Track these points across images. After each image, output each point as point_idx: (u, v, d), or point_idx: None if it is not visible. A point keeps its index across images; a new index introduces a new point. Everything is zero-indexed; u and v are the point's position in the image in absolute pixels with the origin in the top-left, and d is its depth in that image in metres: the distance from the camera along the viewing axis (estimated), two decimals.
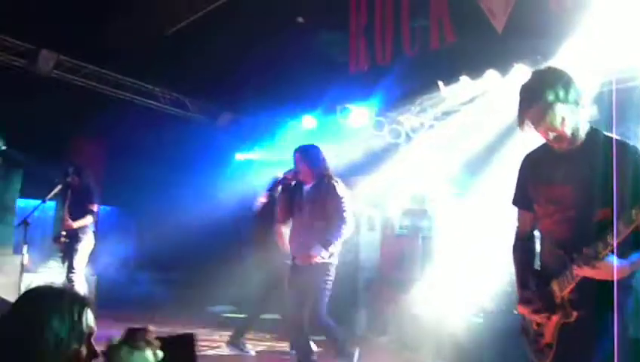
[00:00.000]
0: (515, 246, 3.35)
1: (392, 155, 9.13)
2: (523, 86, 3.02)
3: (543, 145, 3.14)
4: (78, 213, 8.18)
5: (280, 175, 6.36)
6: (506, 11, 6.90)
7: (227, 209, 9.97)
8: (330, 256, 5.81)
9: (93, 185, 8.46)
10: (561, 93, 2.88)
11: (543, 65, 3.10)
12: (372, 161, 9.34)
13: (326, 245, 5.71)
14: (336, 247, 5.83)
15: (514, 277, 3.32)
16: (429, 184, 8.81)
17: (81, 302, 2.16)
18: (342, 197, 5.87)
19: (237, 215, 10.29)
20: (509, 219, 7.29)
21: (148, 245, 11.15)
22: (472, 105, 8.12)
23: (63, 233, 8.15)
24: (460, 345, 6.73)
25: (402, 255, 8.38)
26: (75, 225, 8.11)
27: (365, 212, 9.38)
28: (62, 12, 8.21)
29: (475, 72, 7.73)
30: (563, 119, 2.89)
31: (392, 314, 8.23)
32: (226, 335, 7.74)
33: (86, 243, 8.24)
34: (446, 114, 8.60)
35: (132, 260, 12.10)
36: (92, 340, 2.16)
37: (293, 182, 6.15)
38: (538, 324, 3.09)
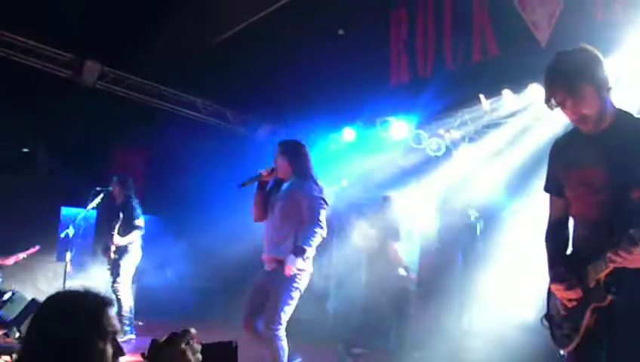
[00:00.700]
0: (547, 233, 3.29)
1: (431, 169, 9.07)
2: (550, 66, 3.00)
3: (572, 131, 3.13)
4: (125, 229, 8.27)
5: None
6: (550, 24, 6.85)
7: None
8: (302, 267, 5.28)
9: (133, 198, 8.53)
10: (588, 74, 2.87)
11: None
12: (411, 174, 9.29)
13: (298, 252, 5.19)
14: (310, 253, 5.33)
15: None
16: (470, 197, 8.73)
17: (102, 302, 2.20)
18: (319, 199, 5.42)
19: None
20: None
21: (187, 254, 11.23)
22: (515, 119, 8.02)
23: (113, 248, 8.25)
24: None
25: (441, 269, 8.28)
26: (122, 241, 8.21)
27: (404, 224, 9.33)
28: (106, 23, 8.36)
29: (517, 85, 7.64)
30: (588, 100, 2.86)
31: (427, 330, 8.14)
32: None
33: (132, 258, 8.35)
34: (487, 127, 8.52)
35: (171, 269, 12.19)
36: (116, 339, 2.20)
37: (269, 179, 5.69)
38: (566, 309, 3.02)
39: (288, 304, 5.20)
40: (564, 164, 3.12)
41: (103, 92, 9.67)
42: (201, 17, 8.80)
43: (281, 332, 5.17)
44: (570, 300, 2.97)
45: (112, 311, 2.20)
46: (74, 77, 9.20)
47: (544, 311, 3.25)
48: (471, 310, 8.00)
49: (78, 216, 8.30)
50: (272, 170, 5.60)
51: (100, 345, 2.11)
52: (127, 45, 8.95)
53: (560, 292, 3.02)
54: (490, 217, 8.57)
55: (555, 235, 3.26)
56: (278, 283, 5.19)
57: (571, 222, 3.23)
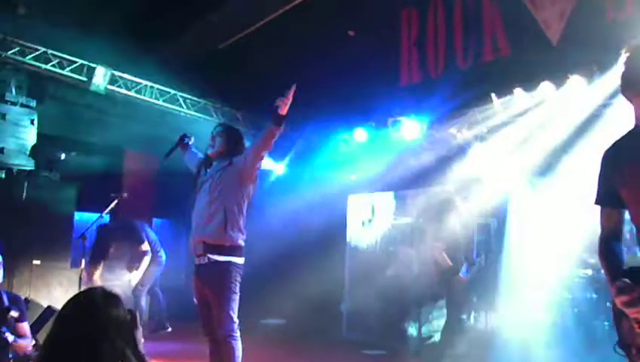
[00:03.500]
0: (601, 249, 3.09)
1: (444, 168, 9.04)
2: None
3: (622, 136, 3.02)
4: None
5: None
6: (561, 22, 6.82)
7: (274, 223, 10.00)
8: (233, 254, 4.99)
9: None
10: None
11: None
12: (424, 174, 9.27)
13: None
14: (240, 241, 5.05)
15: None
16: (483, 197, 8.71)
17: (112, 300, 2.23)
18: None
19: (283, 228, 10.36)
20: (568, 231, 7.22)
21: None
22: (527, 117, 7.98)
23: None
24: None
25: (455, 270, 8.22)
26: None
27: (419, 225, 9.31)
28: (117, 28, 8.38)
29: (529, 84, 7.60)
30: None
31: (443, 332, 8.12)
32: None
33: (153, 267, 8.59)
34: (499, 126, 8.48)
35: (183, 272, 12.21)
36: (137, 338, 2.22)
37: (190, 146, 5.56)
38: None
39: (233, 300, 4.89)
40: (622, 166, 2.95)
41: (114, 96, 9.68)
42: (212, 20, 8.82)
43: (236, 332, 4.87)
44: None
45: (122, 309, 2.21)
46: (85, 82, 9.21)
47: (616, 337, 2.94)
48: (487, 310, 7.99)
49: (92, 222, 8.33)
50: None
51: (110, 342, 2.13)
52: (138, 50, 8.97)
53: (627, 308, 2.73)
54: (503, 217, 8.55)
55: (610, 250, 3.05)
56: (213, 284, 4.92)
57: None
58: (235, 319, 4.89)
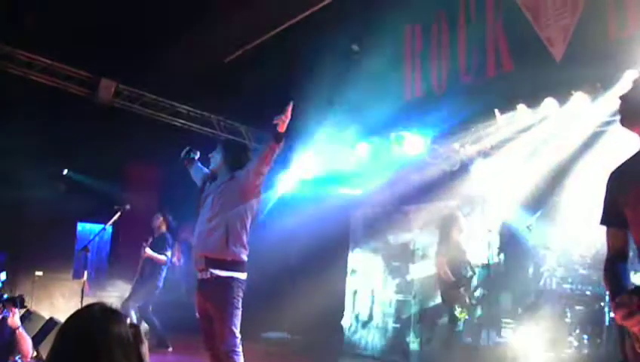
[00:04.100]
0: (605, 269, 3.09)
1: (447, 184, 9.04)
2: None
3: (628, 158, 3.02)
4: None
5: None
6: (565, 39, 6.84)
7: (276, 237, 9.98)
8: (236, 269, 4.96)
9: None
10: None
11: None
12: (426, 189, 9.27)
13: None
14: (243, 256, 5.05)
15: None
16: (486, 213, 8.71)
17: (113, 316, 2.23)
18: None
19: (286, 242, 10.36)
20: (568, 250, 7.21)
21: None
22: (530, 134, 8.00)
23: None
24: None
25: (457, 285, 8.21)
26: (152, 255, 8.62)
27: (420, 241, 9.32)
28: (121, 42, 8.42)
29: (532, 100, 7.62)
30: None
31: (445, 347, 8.10)
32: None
33: (154, 285, 8.61)
34: (502, 142, 8.49)
35: (184, 284, 12.20)
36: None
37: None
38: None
39: (235, 315, 4.86)
40: (625, 186, 2.96)
41: (118, 109, 9.72)
42: (216, 34, 8.85)
43: (238, 348, 4.83)
44: None
45: (124, 325, 2.22)
46: (90, 94, 9.26)
47: (619, 357, 2.94)
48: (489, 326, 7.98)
49: (95, 233, 8.34)
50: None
51: (111, 360, 2.13)
52: (142, 63, 9.01)
53: (625, 322, 2.70)
54: (506, 233, 8.54)
55: (615, 270, 3.05)
56: (216, 299, 4.91)
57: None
58: (237, 334, 4.86)
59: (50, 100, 9.36)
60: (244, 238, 5.07)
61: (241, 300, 4.94)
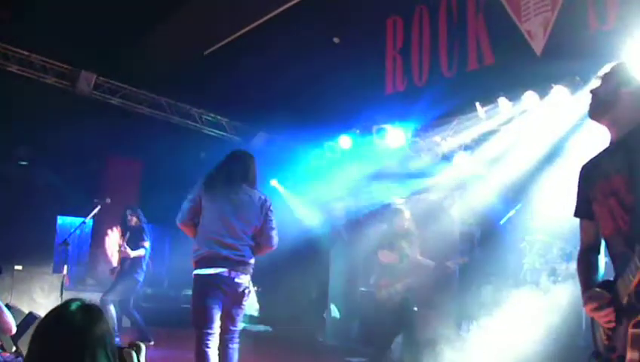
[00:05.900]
0: (578, 260, 3.17)
1: (428, 176, 9.07)
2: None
3: (600, 152, 3.06)
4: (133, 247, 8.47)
5: None
6: (545, 33, 6.86)
7: None
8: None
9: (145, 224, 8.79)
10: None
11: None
12: (408, 181, 9.29)
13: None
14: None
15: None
16: (466, 205, 8.74)
17: (95, 314, 2.23)
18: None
19: None
20: (548, 243, 7.26)
21: (181, 263, 11.21)
22: (510, 126, 8.04)
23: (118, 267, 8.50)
24: None
25: (436, 282, 8.17)
26: (132, 254, 8.38)
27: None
28: (101, 34, 8.35)
29: (513, 93, 7.67)
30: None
31: (429, 344, 8.10)
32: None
33: (133, 281, 8.47)
34: (483, 135, 8.53)
35: (165, 278, 12.17)
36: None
37: None
38: (608, 337, 2.79)
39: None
40: (593, 179, 3.03)
41: (98, 102, 9.65)
42: (196, 26, 8.80)
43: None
44: (609, 322, 2.76)
45: (104, 322, 2.21)
46: (69, 87, 9.18)
47: (592, 348, 3.00)
48: (469, 321, 8.01)
49: (75, 226, 8.28)
50: None
51: (91, 358, 2.12)
52: (122, 55, 8.95)
53: (595, 314, 2.82)
54: (487, 225, 8.58)
55: (586, 261, 3.13)
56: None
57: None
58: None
59: (30, 93, 9.26)
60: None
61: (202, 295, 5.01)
